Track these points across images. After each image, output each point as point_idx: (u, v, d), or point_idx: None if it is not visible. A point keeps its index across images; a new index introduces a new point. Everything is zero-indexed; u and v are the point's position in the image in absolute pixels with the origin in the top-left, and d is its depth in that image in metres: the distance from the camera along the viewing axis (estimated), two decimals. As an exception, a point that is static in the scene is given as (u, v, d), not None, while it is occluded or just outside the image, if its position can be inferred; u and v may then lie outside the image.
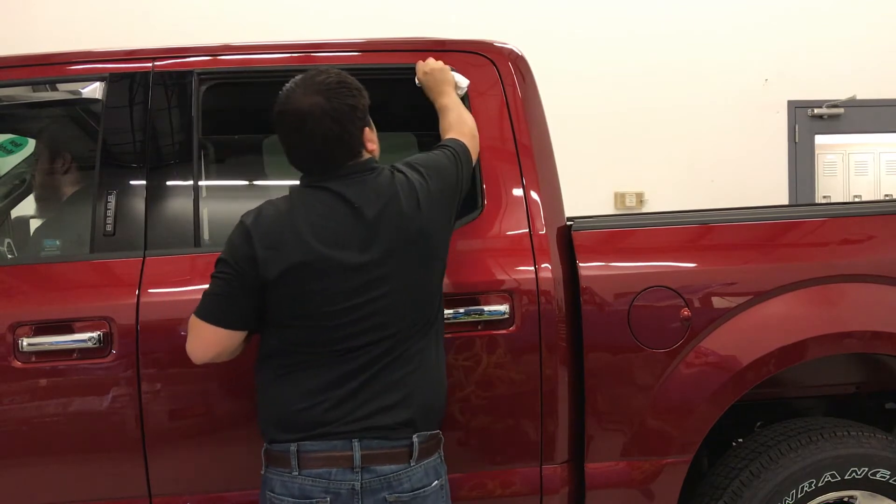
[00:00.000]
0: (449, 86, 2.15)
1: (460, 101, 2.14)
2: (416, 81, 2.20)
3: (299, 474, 1.73)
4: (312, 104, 1.76)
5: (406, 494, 1.74)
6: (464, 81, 2.19)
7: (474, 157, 2.05)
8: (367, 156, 1.85)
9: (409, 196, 1.79)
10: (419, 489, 1.76)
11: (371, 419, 1.74)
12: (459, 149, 1.97)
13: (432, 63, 2.18)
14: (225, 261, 1.77)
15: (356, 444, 1.72)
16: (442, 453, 1.86)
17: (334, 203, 1.78)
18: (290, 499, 1.73)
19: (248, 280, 1.75)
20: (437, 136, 2.09)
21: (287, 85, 1.82)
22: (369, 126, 1.86)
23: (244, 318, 1.79)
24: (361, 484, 1.72)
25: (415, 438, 1.76)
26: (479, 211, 2.14)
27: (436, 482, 1.80)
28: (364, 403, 1.74)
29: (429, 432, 1.81)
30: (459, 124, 2.06)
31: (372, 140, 1.86)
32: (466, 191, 1.98)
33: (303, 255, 1.72)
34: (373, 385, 1.75)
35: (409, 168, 1.86)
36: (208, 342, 1.80)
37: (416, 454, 1.76)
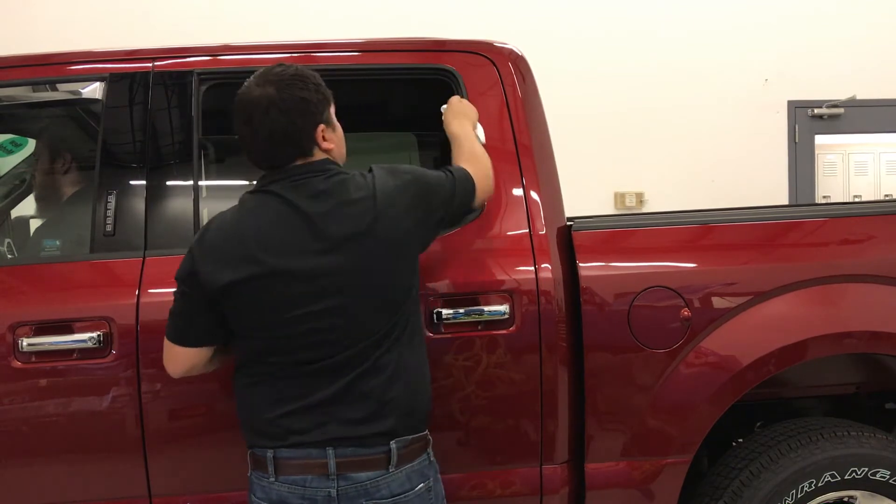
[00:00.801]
0: (469, 120, 2.08)
1: (476, 139, 2.06)
2: (441, 108, 2.15)
3: (276, 480, 1.71)
4: (262, 94, 1.70)
5: (385, 501, 1.71)
6: (482, 133, 2.11)
7: (481, 196, 1.95)
8: (320, 155, 1.77)
9: (365, 198, 1.70)
10: (399, 494, 1.72)
11: (343, 429, 1.70)
12: (459, 175, 1.88)
13: (465, 101, 2.13)
14: (177, 279, 1.77)
15: (330, 451, 1.69)
16: (431, 454, 1.82)
17: (282, 209, 1.71)
18: None
19: (196, 297, 1.73)
20: (434, 136, 2.09)
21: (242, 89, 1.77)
22: (326, 124, 1.77)
23: (206, 335, 1.79)
24: (338, 491, 1.69)
25: (392, 445, 1.72)
26: (478, 211, 2.14)
27: (420, 485, 1.76)
28: (334, 415, 1.70)
29: (411, 436, 1.75)
30: (472, 159, 1.97)
31: (329, 140, 1.77)
32: (453, 222, 1.91)
33: (250, 268, 1.67)
34: (343, 397, 1.70)
35: (381, 170, 1.78)
36: (177, 359, 1.82)
37: (394, 460, 1.72)
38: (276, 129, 1.70)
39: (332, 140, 1.79)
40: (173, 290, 1.79)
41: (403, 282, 1.76)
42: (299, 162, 1.75)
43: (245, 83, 1.75)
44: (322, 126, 1.76)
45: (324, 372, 1.71)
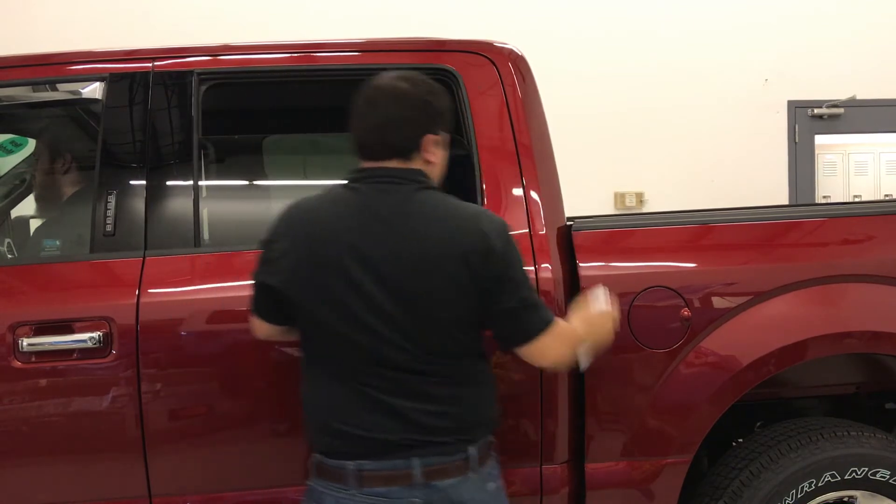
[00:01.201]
0: (591, 335, 1.84)
1: (579, 343, 1.82)
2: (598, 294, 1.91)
3: (359, 493, 1.66)
4: (392, 84, 1.73)
5: None
6: (584, 359, 1.86)
7: (533, 351, 1.75)
8: (418, 165, 1.74)
9: (443, 232, 1.66)
10: (477, 497, 1.72)
11: (427, 436, 1.67)
12: (545, 315, 1.73)
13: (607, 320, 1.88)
14: (259, 247, 1.78)
15: (416, 461, 1.66)
16: (495, 454, 1.81)
17: (361, 209, 1.69)
18: None
19: (264, 273, 1.75)
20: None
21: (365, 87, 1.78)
22: (436, 139, 1.75)
23: (270, 314, 1.81)
24: (424, 500, 1.66)
25: (471, 450, 1.71)
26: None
27: (492, 485, 1.76)
28: (418, 422, 1.67)
29: (484, 440, 1.75)
30: (563, 335, 1.77)
31: (432, 154, 1.75)
32: (489, 325, 1.75)
33: (319, 258, 1.67)
34: (424, 404, 1.67)
35: (497, 221, 1.73)
36: (255, 326, 1.87)
37: (474, 464, 1.71)
38: (391, 119, 1.71)
39: (436, 157, 1.77)
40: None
41: (451, 316, 1.70)
42: (395, 164, 1.72)
43: (383, 75, 1.78)
44: (432, 137, 1.74)
45: (401, 376, 1.67)
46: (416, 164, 1.74)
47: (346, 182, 1.76)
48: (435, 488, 1.67)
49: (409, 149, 1.73)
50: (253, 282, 1.79)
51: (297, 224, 1.73)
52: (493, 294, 1.68)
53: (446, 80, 2.24)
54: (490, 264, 1.66)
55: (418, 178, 1.73)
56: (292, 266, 1.70)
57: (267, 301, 1.78)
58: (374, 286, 1.65)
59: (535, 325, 1.72)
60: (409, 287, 1.66)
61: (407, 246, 1.66)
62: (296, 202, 1.79)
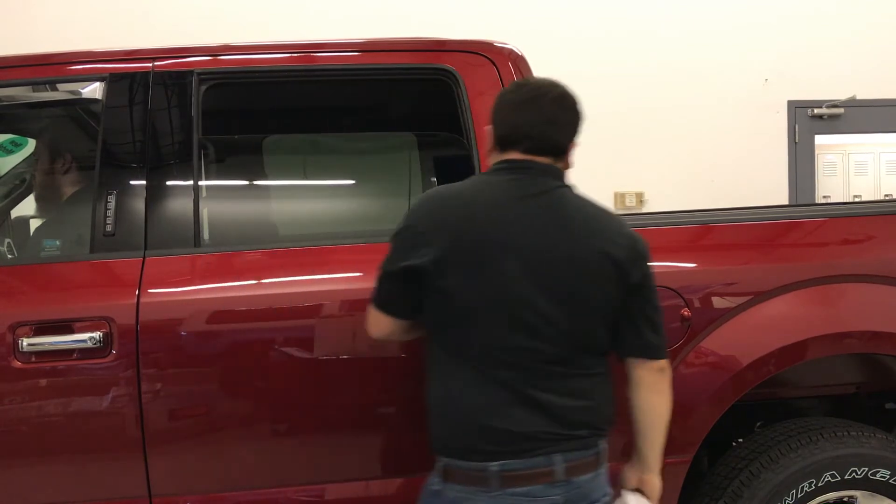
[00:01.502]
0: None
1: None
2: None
3: (503, 494, 1.63)
4: (553, 86, 1.78)
5: (598, 501, 1.72)
6: None
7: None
8: (561, 165, 1.80)
9: (597, 231, 1.72)
10: (605, 494, 1.75)
11: (570, 429, 1.67)
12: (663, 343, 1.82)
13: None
14: (391, 239, 1.74)
15: (558, 457, 1.65)
16: None
17: (517, 198, 1.70)
18: None
19: (405, 263, 1.69)
20: (434, 136, 2.09)
21: (514, 85, 1.85)
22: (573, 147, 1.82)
23: (406, 309, 1.76)
24: (564, 497, 1.65)
25: (602, 445, 1.73)
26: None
27: (605, 477, 1.78)
28: (561, 418, 1.67)
29: (608, 436, 1.77)
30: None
31: (572, 158, 1.82)
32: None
33: (469, 242, 1.66)
34: (566, 399, 1.68)
35: (643, 242, 1.79)
36: (378, 324, 1.81)
37: (602, 459, 1.74)
38: (560, 119, 1.76)
39: (572, 162, 1.83)
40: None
41: (611, 306, 1.74)
42: (547, 160, 1.76)
43: (534, 77, 1.84)
44: (574, 144, 1.80)
45: (550, 370, 1.67)
46: (560, 164, 1.79)
47: (495, 170, 1.78)
48: (574, 484, 1.67)
49: (564, 149, 1.79)
50: (384, 272, 1.74)
51: (446, 209, 1.71)
52: (634, 297, 1.74)
53: (446, 80, 2.24)
54: (637, 269, 1.73)
55: (563, 177, 1.80)
56: (444, 248, 1.66)
57: (399, 290, 1.73)
58: (529, 278, 1.65)
59: (663, 348, 1.80)
60: (565, 282, 1.67)
61: (562, 241, 1.69)
62: (435, 191, 1.79)
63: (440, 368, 1.73)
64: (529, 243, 1.67)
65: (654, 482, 1.87)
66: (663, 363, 1.80)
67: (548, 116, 1.75)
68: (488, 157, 1.85)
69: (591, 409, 1.71)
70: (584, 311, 1.69)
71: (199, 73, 2.22)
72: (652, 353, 1.79)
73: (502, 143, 1.79)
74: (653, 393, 1.81)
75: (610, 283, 1.70)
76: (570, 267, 1.68)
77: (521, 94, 1.78)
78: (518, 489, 1.63)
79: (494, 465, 1.64)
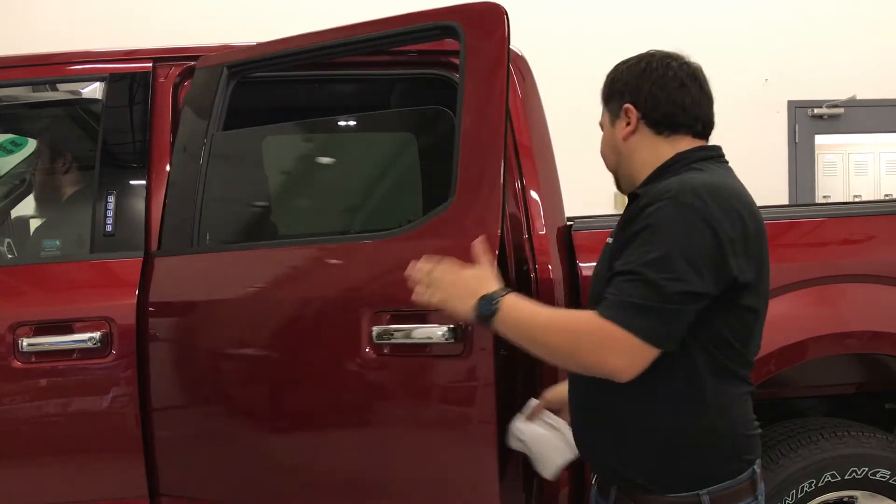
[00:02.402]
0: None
1: None
2: None
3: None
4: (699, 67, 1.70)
5: None
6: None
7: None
8: None
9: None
10: None
11: None
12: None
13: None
14: (671, 260, 1.37)
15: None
16: None
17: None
18: None
19: (709, 284, 1.40)
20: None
21: (656, 57, 1.67)
22: None
23: (682, 333, 1.42)
24: None
25: None
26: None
27: None
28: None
29: None
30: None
31: None
32: None
33: (763, 244, 1.51)
34: None
35: None
36: (645, 361, 1.40)
37: None
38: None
39: None
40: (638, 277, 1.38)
41: None
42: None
43: (653, 57, 1.66)
44: None
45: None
46: None
47: (711, 159, 1.61)
48: None
49: None
50: (676, 302, 1.37)
51: (742, 205, 1.51)
52: None
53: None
54: None
55: None
56: (758, 256, 1.48)
57: (693, 312, 1.40)
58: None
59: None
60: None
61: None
62: (712, 181, 1.52)
63: (713, 385, 1.48)
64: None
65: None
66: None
67: (712, 100, 1.65)
68: (626, 139, 1.62)
69: None
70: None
71: (229, 67, 2.17)
72: None
73: (663, 125, 1.60)
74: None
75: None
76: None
77: (689, 79, 1.63)
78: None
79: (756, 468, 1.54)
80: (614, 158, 1.68)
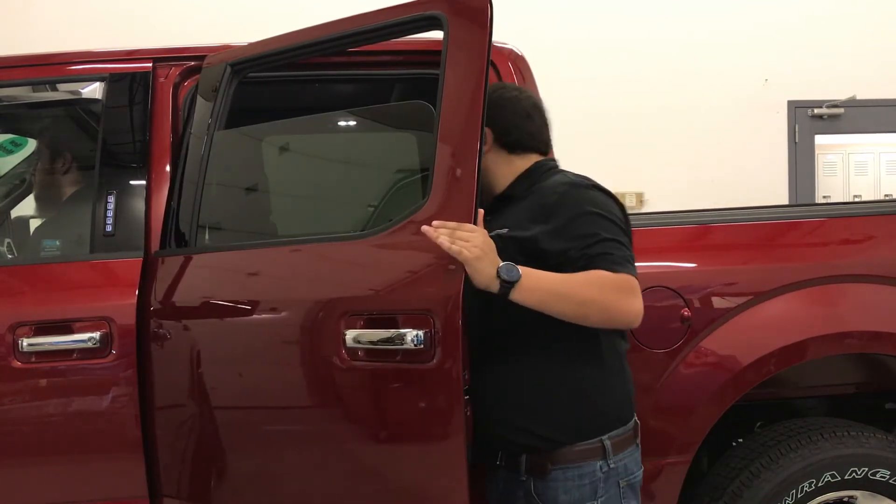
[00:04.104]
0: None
1: None
2: None
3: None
4: (533, 95, 1.99)
5: None
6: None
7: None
8: None
9: None
10: None
11: None
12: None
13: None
14: (613, 219, 1.74)
15: None
16: None
17: None
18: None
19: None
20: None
21: (508, 89, 1.96)
22: None
23: None
24: None
25: None
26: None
27: None
28: None
29: None
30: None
31: None
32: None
33: None
34: None
35: None
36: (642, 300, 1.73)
37: None
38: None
39: None
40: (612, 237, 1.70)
41: None
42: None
43: (506, 88, 1.97)
44: None
45: None
46: None
47: (557, 169, 1.91)
48: None
49: None
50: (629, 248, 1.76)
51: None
52: None
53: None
54: None
55: None
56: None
57: None
58: None
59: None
60: None
61: None
62: (579, 176, 1.84)
63: (611, 350, 1.81)
64: None
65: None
66: None
67: (546, 121, 1.95)
68: (485, 156, 1.79)
69: None
70: None
71: (232, 65, 2.15)
72: None
73: (516, 147, 1.89)
74: None
75: None
76: None
77: (525, 107, 1.91)
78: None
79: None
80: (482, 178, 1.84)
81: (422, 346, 1.66)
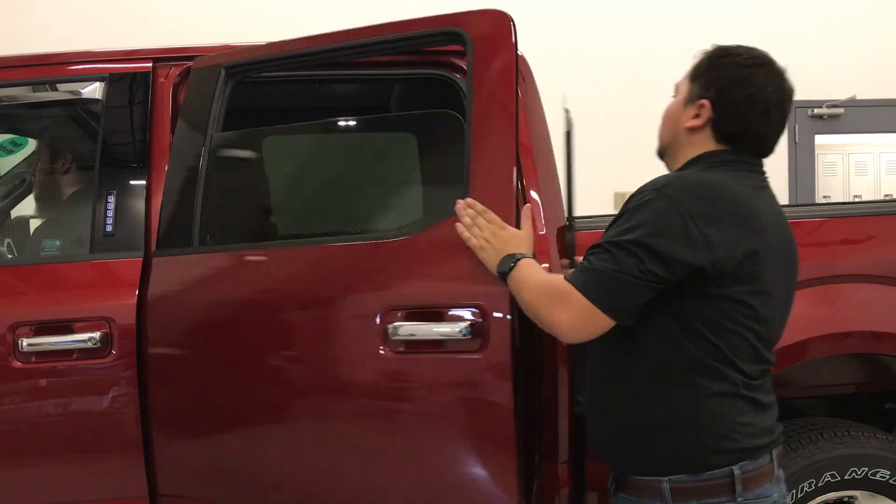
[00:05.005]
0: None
1: None
2: None
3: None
4: (790, 89, 1.74)
5: None
6: None
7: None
8: None
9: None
10: None
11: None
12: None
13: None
14: (636, 242, 1.47)
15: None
16: None
17: (769, 199, 1.67)
18: None
19: (664, 264, 1.46)
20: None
21: (755, 68, 1.73)
22: None
23: (636, 310, 1.51)
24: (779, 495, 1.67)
25: None
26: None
27: None
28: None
29: None
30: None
31: None
32: None
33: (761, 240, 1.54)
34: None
35: None
36: (596, 326, 1.51)
37: None
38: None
39: None
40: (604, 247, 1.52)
41: None
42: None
43: (753, 67, 1.73)
44: None
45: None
46: None
47: (736, 167, 1.64)
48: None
49: None
50: (629, 275, 1.46)
51: (727, 201, 1.53)
52: None
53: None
54: None
55: None
56: (744, 247, 1.51)
57: (650, 291, 1.48)
58: (783, 283, 1.64)
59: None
60: (789, 287, 1.68)
61: (793, 250, 1.69)
62: (701, 177, 1.59)
63: (695, 377, 1.54)
64: (783, 249, 1.66)
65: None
66: None
67: (783, 126, 1.68)
68: (690, 131, 1.73)
69: None
70: (788, 315, 1.75)
71: (227, 68, 2.15)
72: None
73: (728, 140, 1.66)
74: None
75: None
76: (793, 275, 1.74)
77: (771, 96, 1.69)
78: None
79: (737, 469, 1.58)
80: (669, 135, 1.83)
81: (469, 336, 1.76)
